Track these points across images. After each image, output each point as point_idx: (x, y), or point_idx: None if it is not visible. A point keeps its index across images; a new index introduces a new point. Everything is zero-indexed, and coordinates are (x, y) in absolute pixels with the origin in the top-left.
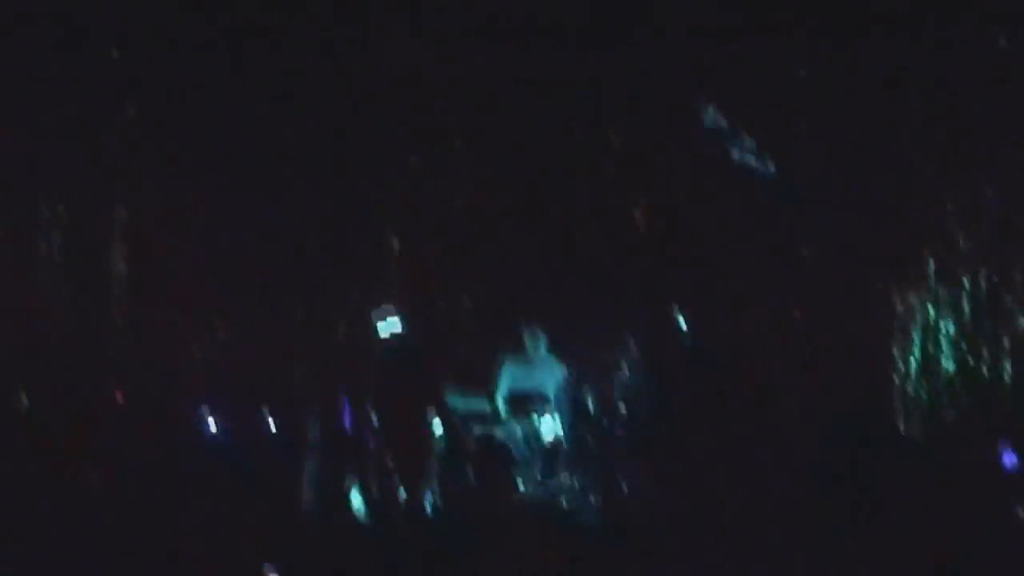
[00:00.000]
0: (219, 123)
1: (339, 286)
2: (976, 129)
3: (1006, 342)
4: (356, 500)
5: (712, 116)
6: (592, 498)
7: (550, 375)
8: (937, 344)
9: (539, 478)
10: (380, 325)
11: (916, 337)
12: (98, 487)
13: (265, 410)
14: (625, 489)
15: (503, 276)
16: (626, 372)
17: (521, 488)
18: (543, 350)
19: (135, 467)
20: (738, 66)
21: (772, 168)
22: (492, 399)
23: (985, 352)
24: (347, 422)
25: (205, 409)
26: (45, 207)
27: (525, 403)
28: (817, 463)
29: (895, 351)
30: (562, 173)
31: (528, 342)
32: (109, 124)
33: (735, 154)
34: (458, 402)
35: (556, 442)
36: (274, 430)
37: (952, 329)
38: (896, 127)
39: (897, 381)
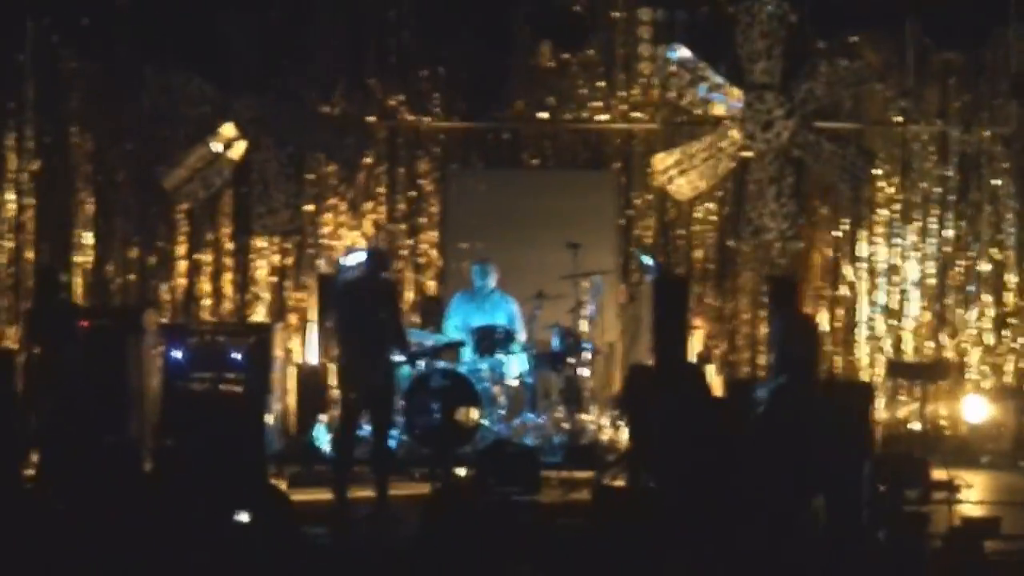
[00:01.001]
0: None
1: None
2: None
3: None
4: (321, 437)
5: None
6: (556, 436)
7: (505, 311)
8: None
9: (503, 414)
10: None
11: None
12: None
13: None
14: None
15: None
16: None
17: (486, 424)
18: (494, 284)
19: None
20: None
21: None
22: (454, 335)
23: None
24: (313, 357)
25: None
26: None
27: (489, 339)
28: None
29: None
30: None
31: (481, 277)
32: None
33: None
34: (420, 338)
35: (520, 380)
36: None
37: None
38: None
39: None
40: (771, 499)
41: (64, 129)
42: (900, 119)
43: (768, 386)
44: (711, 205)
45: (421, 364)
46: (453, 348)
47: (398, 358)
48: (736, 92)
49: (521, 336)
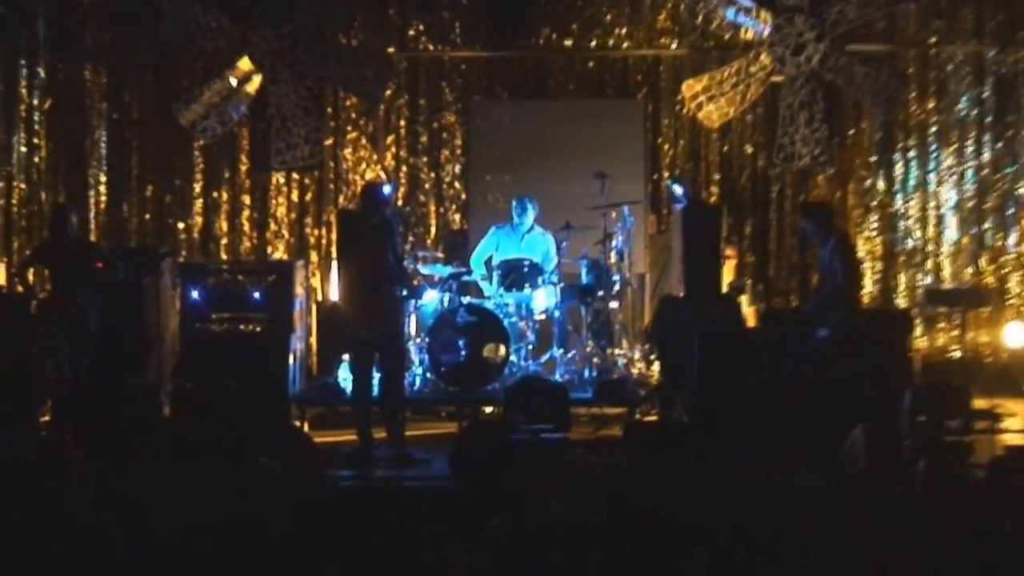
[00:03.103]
0: None
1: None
2: None
3: None
4: (346, 377)
5: None
6: (585, 371)
7: (541, 247)
8: None
9: (531, 349)
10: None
11: None
12: None
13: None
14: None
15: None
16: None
17: (514, 360)
18: (532, 221)
19: None
20: None
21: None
22: (482, 270)
23: None
24: (335, 295)
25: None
26: None
27: (515, 273)
28: None
29: None
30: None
31: (520, 213)
32: None
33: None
34: (439, 272)
35: (548, 314)
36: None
37: None
38: None
39: None
40: (813, 431)
41: (77, 65)
42: (934, 40)
43: (830, 321)
44: (741, 132)
45: (445, 298)
46: (456, 280)
47: (403, 294)
48: (765, 15)
49: (553, 271)
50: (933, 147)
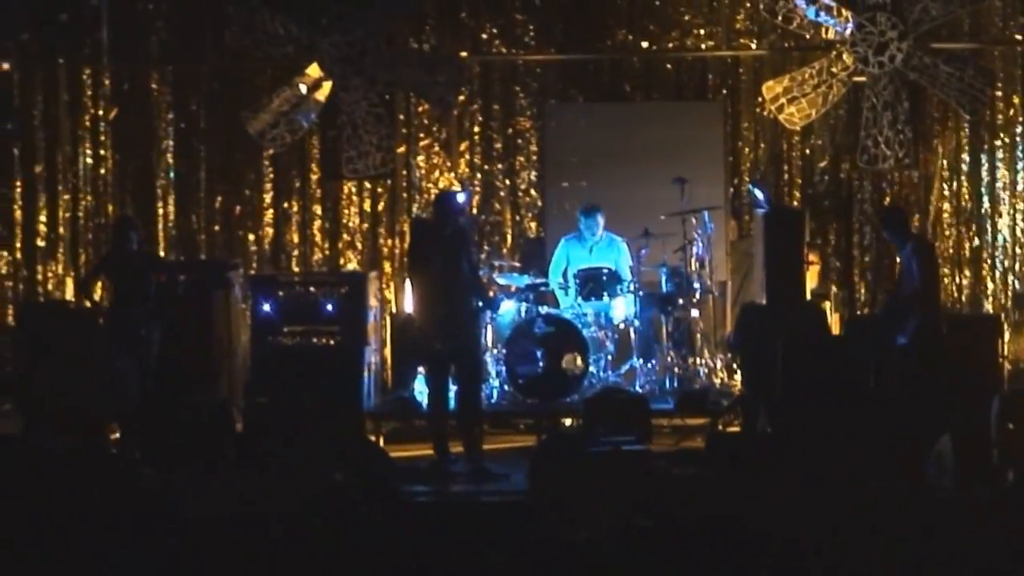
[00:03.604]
0: None
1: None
2: None
3: None
4: (422, 390)
5: None
6: (666, 381)
7: (614, 254)
8: None
9: (610, 360)
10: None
11: None
12: None
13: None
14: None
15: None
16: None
17: (593, 371)
18: (601, 230)
19: None
20: None
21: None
22: (559, 279)
23: None
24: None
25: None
26: None
27: (593, 282)
28: None
29: None
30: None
31: (589, 226)
32: None
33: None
34: (517, 282)
35: (627, 323)
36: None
37: None
38: None
39: None
40: (898, 440)
41: (143, 74)
42: (1020, 37)
43: (909, 326)
44: (825, 134)
45: (522, 308)
46: (534, 290)
47: (478, 304)
48: (847, 13)
49: (631, 279)
50: (1021, 147)
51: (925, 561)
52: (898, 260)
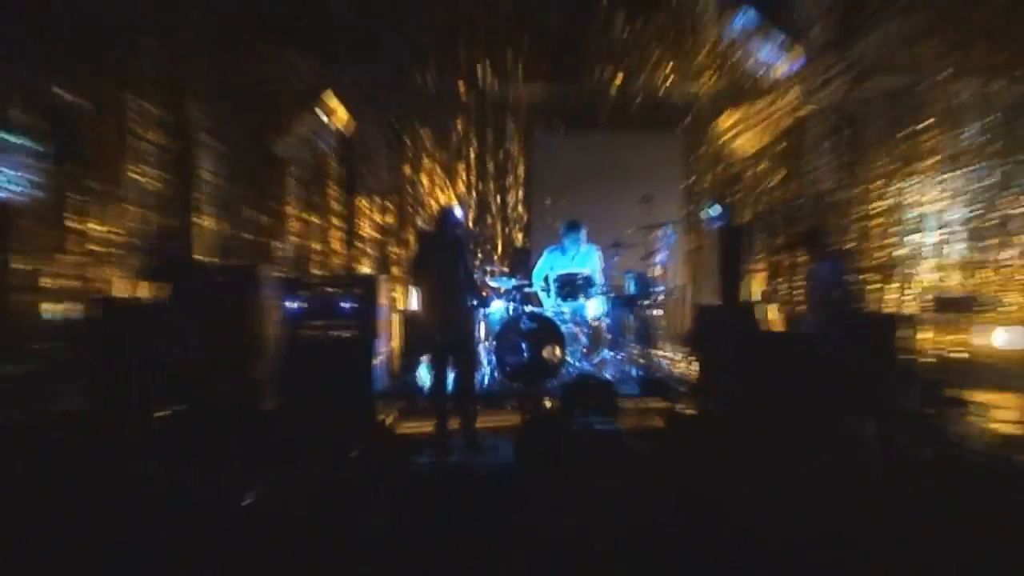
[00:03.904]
0: None
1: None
2: None
3: None
4: (424, 376)
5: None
6: (632, 370)
7: (590, 261)
8: None
9: (584, 351)
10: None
11: None
12: None
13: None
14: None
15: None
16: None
17: (570, 360)
18: (583, 244)
19: None
20: None
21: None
22: (542, 283)
23: None
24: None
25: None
26: None
27: (570, 285)
28: None
29: None
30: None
31: (572, 241)
32: None
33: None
34: (505, 284)
35: (599, 321)
36: (349, 309)
37: None
38: None
39: None
40: (824, 420)
41: (180, 100)
42: (948, 73)
43: (836, 326)
44: (771, 159)
45: (510, 307)
46: (520, 291)
47: (473, 303)
48: (797, 51)
49: (600, 282)
50: (946, 170)
51: (847, 519)
52: (819, 272)
